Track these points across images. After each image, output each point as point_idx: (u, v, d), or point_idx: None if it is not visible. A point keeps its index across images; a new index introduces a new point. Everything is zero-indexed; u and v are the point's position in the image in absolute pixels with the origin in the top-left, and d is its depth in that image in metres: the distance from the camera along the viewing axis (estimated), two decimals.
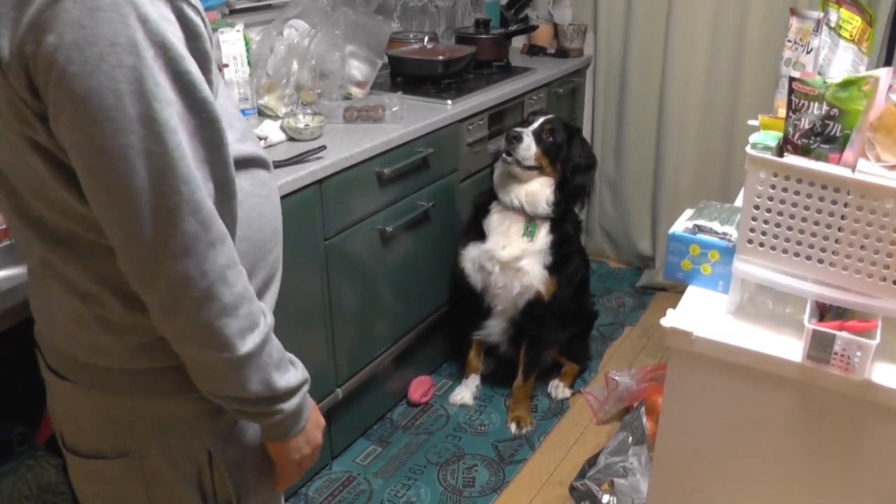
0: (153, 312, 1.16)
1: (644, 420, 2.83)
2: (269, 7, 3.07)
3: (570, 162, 3.04)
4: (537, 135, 3.02)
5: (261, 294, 1.36)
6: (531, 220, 3.03)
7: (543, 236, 3.03)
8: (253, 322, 1.20)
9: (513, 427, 3.18)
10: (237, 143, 1.27)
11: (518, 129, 3.03)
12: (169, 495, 1.39)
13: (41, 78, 1.01)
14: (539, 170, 3.02)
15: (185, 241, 1.08)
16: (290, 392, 1.30)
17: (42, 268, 1.27)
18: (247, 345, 1.18)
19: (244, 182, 1.30)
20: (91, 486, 1.44)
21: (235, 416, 1.35)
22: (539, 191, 3.02)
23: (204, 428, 1.37)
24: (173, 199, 1.06)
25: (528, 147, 2.98)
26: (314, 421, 1.43)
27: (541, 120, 3.09)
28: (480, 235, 3.10)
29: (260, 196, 1.36)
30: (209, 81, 1.12)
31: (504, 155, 3.01)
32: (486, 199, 3.15)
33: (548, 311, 3.09)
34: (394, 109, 2.84)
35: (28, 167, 1.13)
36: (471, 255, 3.12)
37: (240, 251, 1.22)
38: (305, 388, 1.35)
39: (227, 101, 1.31)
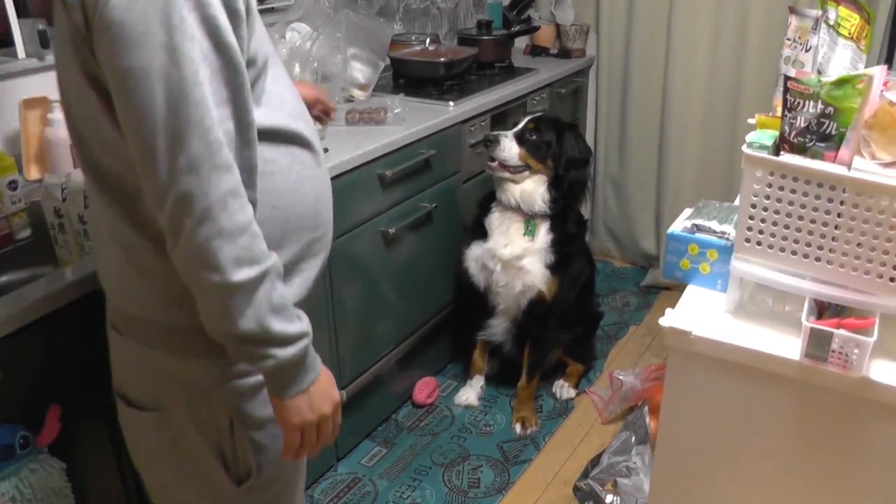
0: (166, 236, 1.25)
1: (647, 419, 2.83)
2: (271, 10, 3.08)
3: (564, 157, 3.01)
4: (520, 135, 3.01)
5: (288, 272, 1.46)
6: (530, 218, 3.01)
7: (543, 235, 3.02)
8: (252, 256, 1.26)
9: (518, 428, 3.19)
10: (286, 118, 1.44)
11: (495, 133, 3.04)
12: (192, 454, 1.53)
13: (90, 10, 1.17)
14: (529, 169, 3.00)
15: (191, 161, 1.19)
16: (286, 339, 1.33)
17: (100, 220, 1.45)
18: (240, 274, 1.24)
19: (282, 155, 1.44)
20: (133, 432, 1.61)
21: (235, 357, 1.39)
22: (533, 189, 3.00)
23: (228, 394, 1.48)
24: (184, 121, 1.18)
25: (508, 149, 2.98)
26: (323, 389, 1.44)
27: (525, 120, 3.09)
28: (483, 234, 3.09)
29: (298, 174, 1.47)
30: (239, 36, 1.25)
31: (488, 161, 3.03)
32: (488, 199, 3.14)
33: (550, 312, 3.09)
34: (395, 111, 2.85)
35: (87, 106, 1.29)
36: (473, 254, 3.12)
37: (268, 218, 1.38)
38: (305, 341, 1.37)
39: (282, 79, 1.47)
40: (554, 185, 3.01)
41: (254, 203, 1.30)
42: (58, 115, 2.24)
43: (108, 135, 1.29)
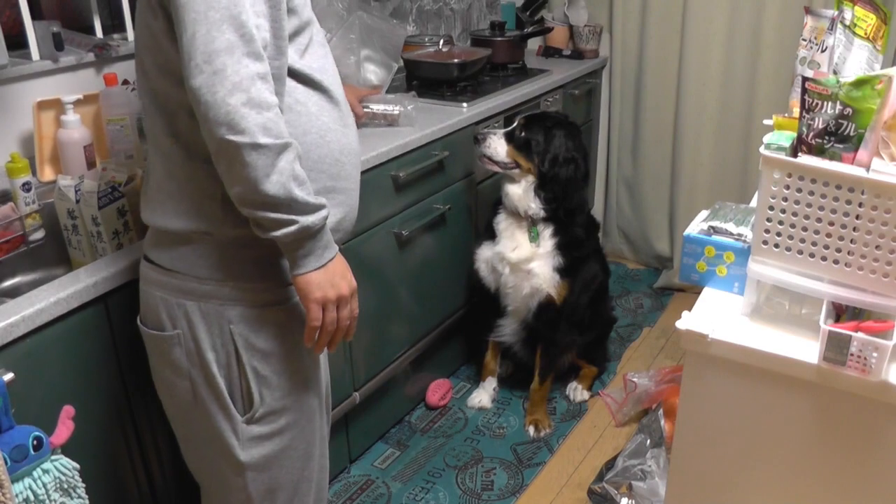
0: (197, 110, 1.40)
1: (662, 422, 2.82)
2: None
3: (549, 154, 2.94)
4: (510, 133, 2.98)
5: None
6: (533, 223, 2.99)
7: (548, 238, 3.00)
8: (277, 129, 1.42)
9: (531, 430, 3.18)
10: (325, 76, 1.65)
11: (484, 130, 3.04)
12: (203, 374, 1.67)
13: None
14: (520, 168, 2.97)
15: (226, 44, 1.37)
16: (308, 207, 1.48)
17: (149, 136, 1.65)
18: (265, 138, 1.40)
19: (313, 102, 1.63)
20: (154, 355, 1.76)
21: (260, 229, 1.51)
22: (524, 190, 2.97)
23: (236, 315, 1.63)
24: (222, 13, 1.37)
25: (494, 146, 2.96)
26: (340, 270, 1.61)
27: (520, 117, 3.06)
28: (493, 236, 3.08)
29: (324, 123, 1.64)
30: None
31: (478, 159, 3.03)
32: (498, 201, 3.13)
33: (561, 315, 3.08)
34: (408, 109, 2.83)
35: (152, 33, 1.51)
36: (484, 256, 3.12)
37: None
38: (325, 213, 1.52)
39: (327, 53, 1.69)
40: (541, 185, 2.96)
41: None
42: (72, 116, 2.24)
43: (165, 57, 1.51)
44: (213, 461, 1.80)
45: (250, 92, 1.38)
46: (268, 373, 1.68)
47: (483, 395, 3.35)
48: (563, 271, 3.01)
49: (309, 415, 1.78)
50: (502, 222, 3.06)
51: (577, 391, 3.40)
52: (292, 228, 1.47)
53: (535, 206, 2.95)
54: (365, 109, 2.84)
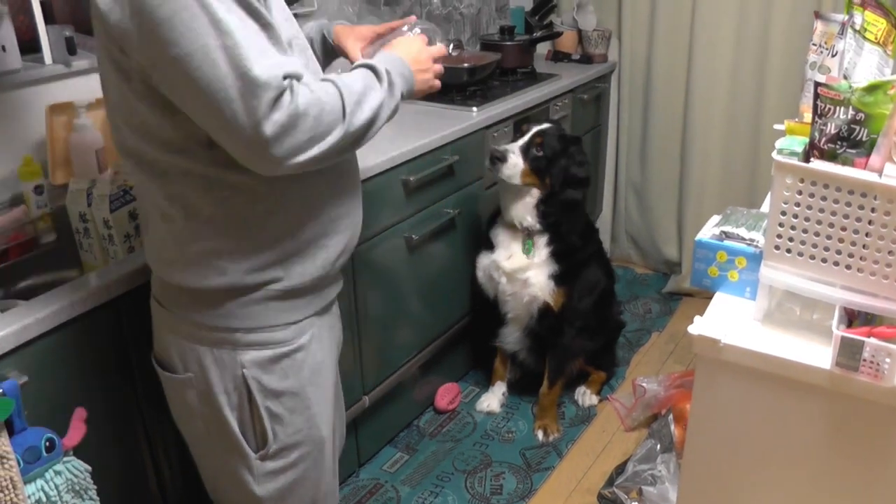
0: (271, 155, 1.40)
1: (672, 427, 2.81)
2: (295, 16, 3.08)
3: (561, 175, 2.91)
4: (525, 150, 2.90)
5: (311, 245, 1.65)
6: (529, 235, 2.97)
7: (543, 247, 2.98)
8: (353, 102, 1.49)
9: (540, 435, 3.17)
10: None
11: (503, 148, 2.90)
12: (217, 417, 1.68)
13: (126, 14, 1.35)
14: (526, 185, 2.93)
15: (267, 100, 1.34)
16: (389, 94, 1.58)
17: (143, 197, 1.63)
18: (357, 118, 1.49)
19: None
20: (169, 393, 1.78)
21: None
22: (525, 204, 2.95)
23: (249, 360, 1.64)
24: (249, 79, 1.33)
25: (514, 165, 2.88)
26: (414, 64, 1.71)
27: (533, 131, 2.97)
28: (490, 246, 3.08)
29: (309, 192, 1.62)
30: (267, 7, 1.44)
31: (490, 169, 2.97)
32: (497, 212, 3.11)
33: (562, 321, 3.07)
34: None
35: (123, 98, 1.48)
36: (482, 265, 3.11)
37: (289, 189, 1.57)
38: (381, 74, 1.59)
39: (306, 66, 1.60)
40: (545, 201, 2.94)
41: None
42: (84, 120, 2.25)
43: (141, 119, 1.47)
44: (229, 492, 1.83)
45: (324, 110, 1.43)
46: (281, 411, 1.70)
47: (492, 400, 3.35)
48: (560, 278, 3.00)
49: (320, 445, 1.80)
50: (500, 233, 3.06)
51: (585, 396, 3.39)
52: (400, 97, 1.62)
53: (531, 220, 2.95)
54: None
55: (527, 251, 2.97)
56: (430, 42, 1.84)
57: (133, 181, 1.67)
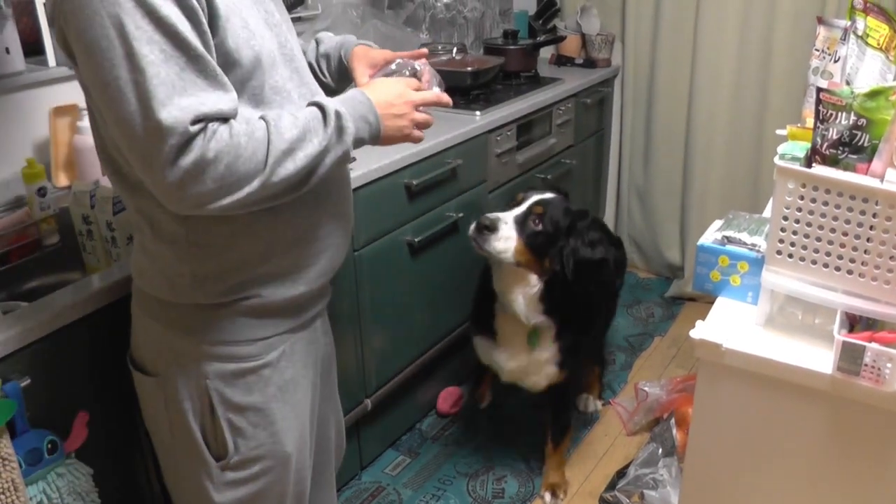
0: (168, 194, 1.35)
1: (674, 431, 2.82)
2: (298, 20, 3.10)
3: (571, 258, 2.43)
4: (521, 221, 2.44)
5: (300, 266, 1.63)
6: (534, 327, 2.60)
7: (549, 341, 2.64)
8: (262, 161, 1.38)
9: (547, 497, 2.86)
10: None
11: (493, 216, 2.42)
12: (181, 422, 1.66)
13: (59, 29, 1.35)
14: (521, 265, 2.48)
15: (168, 153, 1.28)
16: (330, 142, 1.46)
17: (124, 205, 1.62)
18: (275, 175, 1.39)
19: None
20: (140, 393, 1.76)
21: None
22: (531, 294, 2.52)
23: (211, 374, 1.60)
24: (152, 121, 1.26)
25: (507, 239, 2.41)
26: (383, 108, 1.58)
27: (532, 200, 2.51)
28: (489, 330, 2.74)
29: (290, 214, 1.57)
30: (201, 32, 1.33)
31: (473, 244, 2.45)
32: (489, 290, 2.67)
33: (564, 392, 2.87)
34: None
35: (94, 109, 1.45)
36: (481, 350, 2.83)
37: (269, 227, 1.54)
38: (330, 114, 1.47)
39: (296, 77, 1.57)
40: (551, 288, 2.50)
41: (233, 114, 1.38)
42: (87, 122, 2.25)
43: (108, 131, 1.43)
44: (189, 496, 1.80)
45: (236, 168, 1.34)
46: (243, 425, 1.66)
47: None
48: (564, 363, 2.71)
49: (284, 461, 1.75)
50: (499, 322, 2.69)
51: (588, 402, 3.36)
52: (345, 151, 1.50)
53: (536, 315, 2.55)
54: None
55: (532, 343, 2.64)
56: (429, 86, 1.71)
57: (118, 193, 1.64)
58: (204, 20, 1.34)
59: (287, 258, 1.59)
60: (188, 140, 1.29)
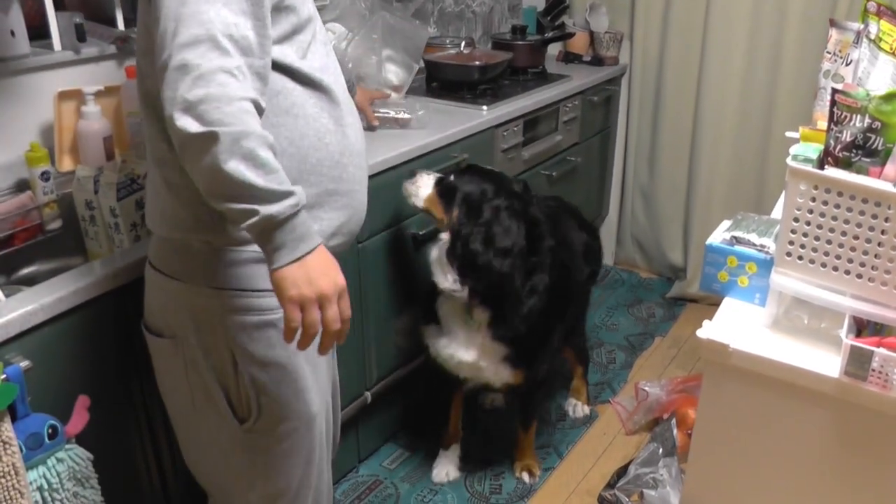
0: (164, 106, 1.35)
1: (675, 431, 2.81)
2: None
3: (471, 226, 2.37)
4: (442, 178, 2.50)
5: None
6: (469, 302, 2.47)
7: (484, 326, 2.52)
8: (239, 119, 1.34)
9: (525, 477, 2.93)
10: (325, 75, 1.62)
11: (423, 170, 2.53)
12: (201, 381, 1.67)
13: None
14: (434, 220, 2.51)
15: (191, 39, 1.33)
16: (273, 195, 1.36)
17: (148, 145, 1.62)
18: (223, 128, 1.32)
19: (311, 103, 1.60)
20: (156, 359, 1.77)
21: (232, 225, 1.52)
22: (439, 251, 2.47)
23: (231, 327, 1.61)
24: (191, 9, 1.35)
25: (421, 185, 2.49)
26: (322, 265, 1.43)
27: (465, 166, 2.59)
28: (434, 317, 2.64)
29: (323, 125, 1.61)
30: None
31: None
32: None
33: (528, 391, 2.79)
34: (419, 115, 2.82)
35: (146, 28, 1.48)
36: (431, 342, 2.68)
37: (285, 152, 1.54)
38: (293, 201, 1.38)
39: (331, 52, 1.67)
40: (453, 250, 2.41)
41: (259, 108, 1.41)
42: (92, 107, 2.25)
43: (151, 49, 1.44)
44: (214, 466, 1.81)
45: (210, 87, 1.32)
46: (266, 380, 1.65)
47: (449, 467, 2.97)
48: (514, 360, 2.59)
49: (308, 422, 1.75)
50: (442, 304, 2.61)
51: (577, 408, 3.30)
52: (255, 219, 1.35)
53: (449, 280, 2.43)
54: (376, 114, 2.80)
55: (468, 322, 2.53)
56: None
57: (144, 128, 1.64)
58: None
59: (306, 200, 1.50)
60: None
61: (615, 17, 4.23)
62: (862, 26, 1.77)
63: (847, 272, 1.41)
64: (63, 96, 2.26)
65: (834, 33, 1.84)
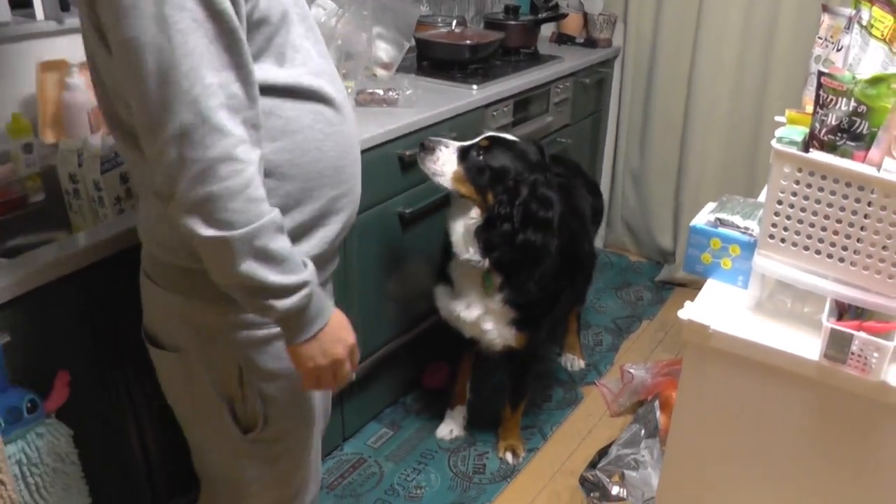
0: (161, 199, 1.31)
1: (658, 414, 2.82)
2: None
3: (520, 206, 2.37)
4: (465, 151, 2.43)
5: (310, 227, 1.55)
6: (487, 270, 2.52)
7: (497, 291, 2.58)
8: (246, 218, 1.29)
9: (509, 457, 2.97)
10: (309, 76, 1.48)
11: (436, 139, 2.46)
12: (204, 396, 1.64)
13: None
14: (463, 197, 2.47)
15: (181, 129, 1.23)
16: (287, 290, 1.37)
17: (132, 171, 1.55)
18: (232, 232, 1.28)
19: (305, 113, 1.49)
20: (159, 370, 1.74)
21: (245, 307, 1.46)
22: (468, 227, 2.47)
23: (238, 343, 1.58)
24: (174, 90, 1.22)
25: (445, 163, 2.42)
26: (333, 334, 1.49)
27: (485, 134, 2.52)
28: (448, 279, 2.71)
29: (321, 132, 1.52)
30: (236, 3, 1.28)
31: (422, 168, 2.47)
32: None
33: (525, 358, 2.86)
34: (407, 93, 2.81)
35: (104, 61, 1.35)
36: (442, 304, 2.76)
37: (289, 176, 1.47)
38: (305, 290, 1.39)
39: (310, 34, 1.52)
40: (487, 228, 2.42)
41: (259, 158, 1.34)
42: (76, 79, 2.23)
43: (121, 88, 1.35)
44: (215, 467, 1.82)
45: (211, 186, 1.26)
46: (273, 392, 1.64)
47: (453, 425, 3.11)
48: (520, 323, 2.67)
49: (309, 424, 1.77)
50: (455, 266, 2.65)
51: (574, 362, 3.49)
52: (272, 314, 1.39)
53: (469, 253, 2.49)
54: (365, 93, 2.77)
55: (488, 287, 2.58)
56: None
57: (123, 156, 1.57)
58: None
59: (312, 213, 1.53)
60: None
61: None
62: (854, 12, 1.76)
63: (829, 256, 1.41)
64: (45, 67, 2.24)
65: (826, 18, 1.83)
